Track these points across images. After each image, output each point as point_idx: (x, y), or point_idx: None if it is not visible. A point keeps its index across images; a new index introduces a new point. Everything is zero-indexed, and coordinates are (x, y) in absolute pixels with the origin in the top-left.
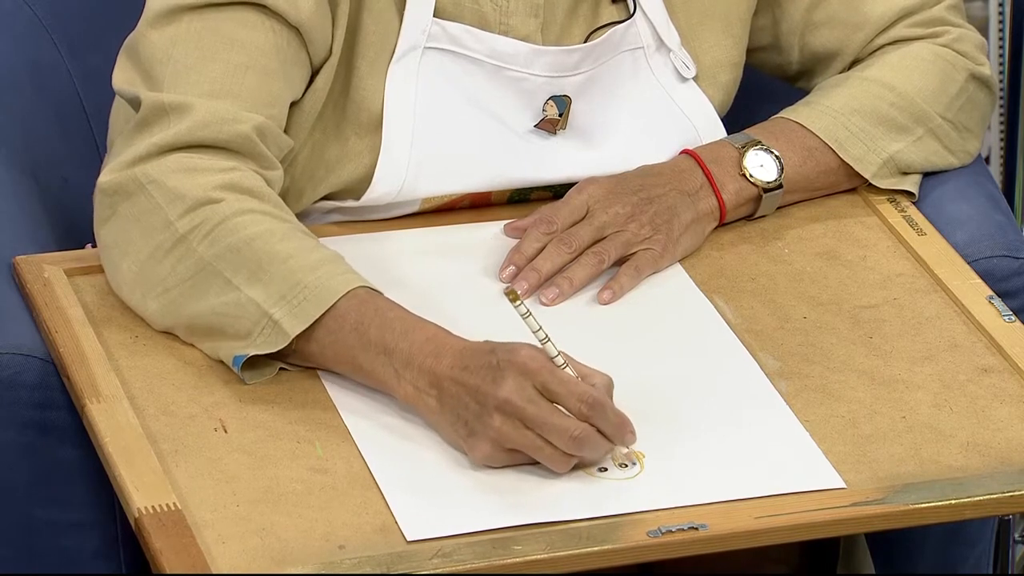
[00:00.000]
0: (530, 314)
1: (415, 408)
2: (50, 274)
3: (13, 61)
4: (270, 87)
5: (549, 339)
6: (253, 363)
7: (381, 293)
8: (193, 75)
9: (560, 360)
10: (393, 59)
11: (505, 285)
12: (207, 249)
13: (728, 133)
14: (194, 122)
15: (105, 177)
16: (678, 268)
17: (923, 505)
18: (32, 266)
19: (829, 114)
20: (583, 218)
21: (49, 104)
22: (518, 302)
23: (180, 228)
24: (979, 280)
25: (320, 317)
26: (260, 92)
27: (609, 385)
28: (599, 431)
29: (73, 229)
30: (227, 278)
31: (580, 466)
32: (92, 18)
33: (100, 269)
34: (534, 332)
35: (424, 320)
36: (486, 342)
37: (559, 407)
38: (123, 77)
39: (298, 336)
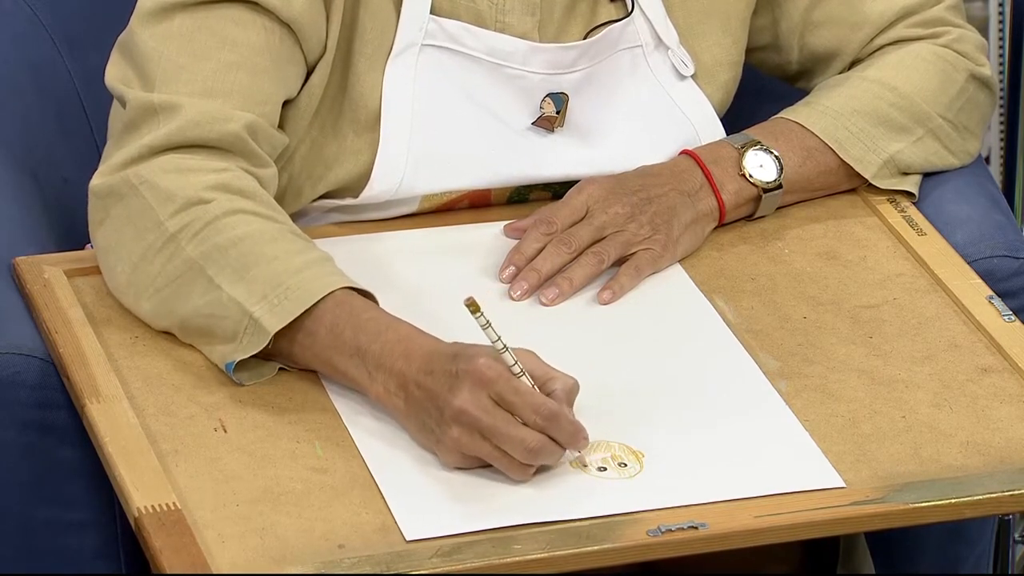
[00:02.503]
0: (489, 325)
1: (386, 409)
2: (50, 275)
3: (13, 61)
4: (262, 85)
5: (508, 349)
6: (250, 364)
7: (364, 294)
8: (185, 74)
9: (517, 369)
10: (391, 56)
11: (467, 295)
12: (195, 248)
13: (728, 133)
14: (184, 122)
15: (97, 180)
16: (678, 268)
17: (922, 504)
18: (32, 267)
19: (829, 114)
20: (583, 218)
21: (49, 104)
22: (478, 313)
23: (170, 228)
24: (979, 280)
25: (300, 318)
26: (251, 90)
27: (571, 388)
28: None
29: (73, 229)
30: (210, 277)
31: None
32: (92, 18)
33: (100, 270)
34: (493, 342)
35: (398, 320)
36: (453, 344)
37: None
38: (115, 74)
39: (281, 337)
